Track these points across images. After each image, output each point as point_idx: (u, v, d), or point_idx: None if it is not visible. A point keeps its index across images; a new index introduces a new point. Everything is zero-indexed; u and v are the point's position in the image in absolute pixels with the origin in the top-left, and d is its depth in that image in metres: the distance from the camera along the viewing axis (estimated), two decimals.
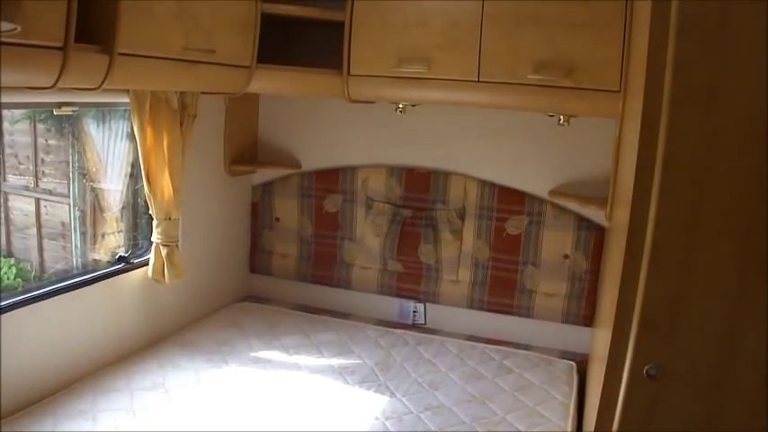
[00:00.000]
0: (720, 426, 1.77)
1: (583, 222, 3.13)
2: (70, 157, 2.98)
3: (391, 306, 3.56)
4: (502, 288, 3.30)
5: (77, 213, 3.02)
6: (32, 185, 3.15)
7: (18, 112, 2.88)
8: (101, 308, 2.75)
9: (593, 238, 3.11)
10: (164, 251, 2.89)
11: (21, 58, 1.71)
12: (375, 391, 2.70)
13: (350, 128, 3.52)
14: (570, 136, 3.04)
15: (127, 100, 2.65)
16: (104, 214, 3.03)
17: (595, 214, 3.08)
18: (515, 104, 2.76)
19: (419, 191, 3.38)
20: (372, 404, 2.59)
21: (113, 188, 3.03)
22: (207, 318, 3.35)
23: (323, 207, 3.57)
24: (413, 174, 3.39)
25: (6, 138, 2.96)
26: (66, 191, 3.05)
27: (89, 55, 1.95)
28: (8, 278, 2.91)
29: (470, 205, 3.30)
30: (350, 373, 2.85)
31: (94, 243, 3.00)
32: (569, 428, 2.51)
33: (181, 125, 2.87)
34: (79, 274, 2.77)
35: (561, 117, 2.85)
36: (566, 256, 3.17)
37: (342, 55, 2.87)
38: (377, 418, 2.48)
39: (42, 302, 2.47)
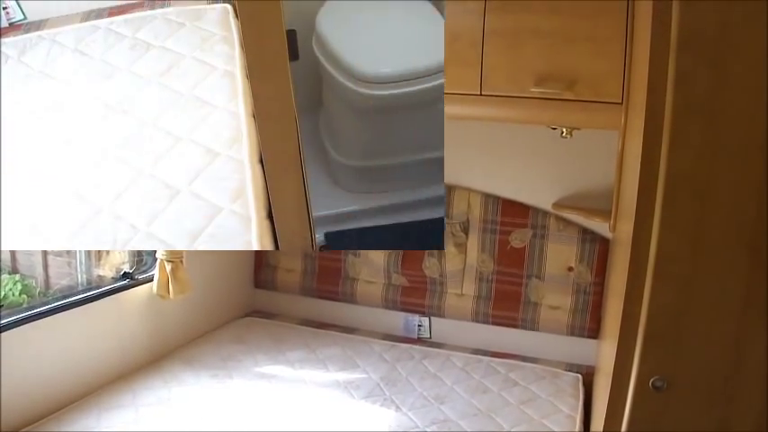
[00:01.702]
0: None
1: (587, 235, 3.13)
2: None
3: (396, 320, 3.55)
4: (506, 301, 3.29)
5: None
6: None
7: None
8: (105, 324, 2.76)
9: (598, 250, 3.11)
10: (168, 267, 2.90)
11: None
12: (381, 406, 2.69)
13: None
14: (573, 148, 3.04)
15: None
16: None
17: (599, 226, 3.08)
18: (518, 117, 2.76)
19: None
20: (378, 419, 2.59)
21: None
22: (211, 333, 3.35)
23: None
24: None
25: None
26: None
27: None
28: (13, 294, 2.91)
29: (474, 218, 3.30)
30: (355, 387, 2.84)
31: (99, 259, 3.00)
32: None
33: None
34: (84, 291, 2.78)
35: (564, 130, 2.85)
36: (570, 269, 3.17)
37: None
38: None
39: (47, 319, 2.48)
